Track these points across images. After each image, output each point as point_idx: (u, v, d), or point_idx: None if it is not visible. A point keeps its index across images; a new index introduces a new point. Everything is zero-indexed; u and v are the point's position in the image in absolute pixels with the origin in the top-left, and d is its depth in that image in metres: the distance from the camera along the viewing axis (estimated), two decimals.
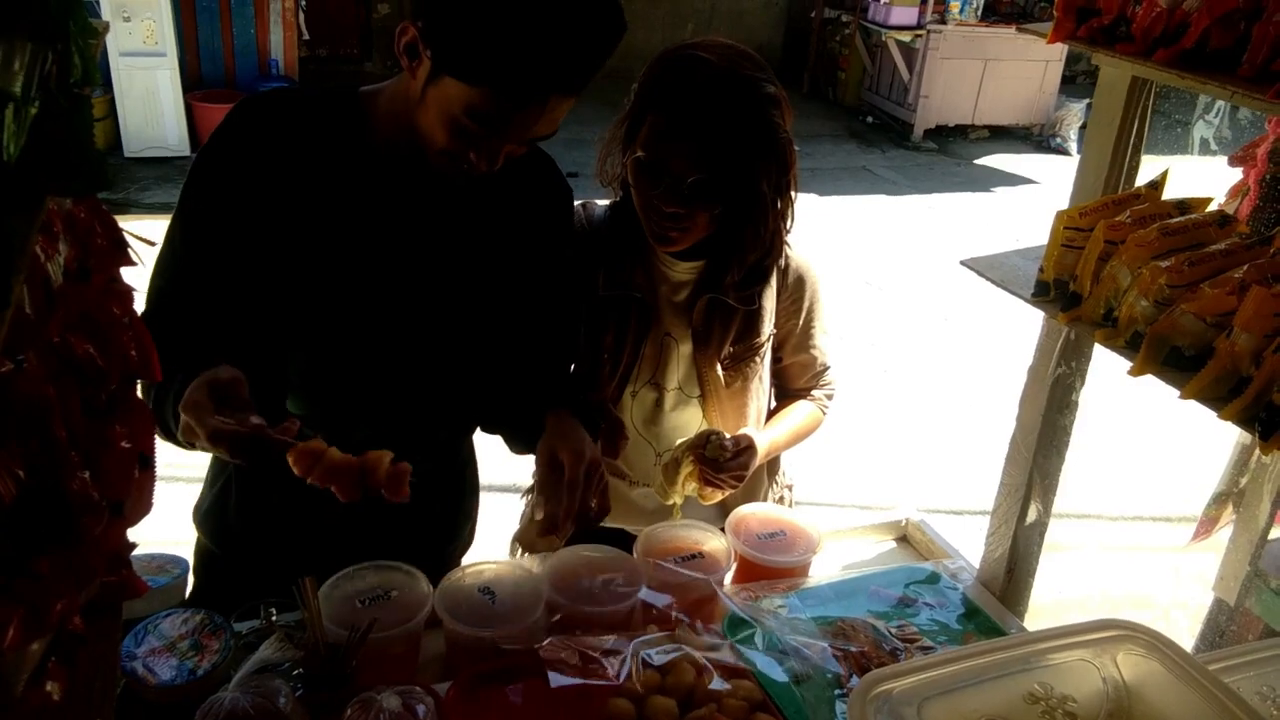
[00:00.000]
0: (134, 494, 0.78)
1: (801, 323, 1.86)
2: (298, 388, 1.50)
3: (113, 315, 0.86)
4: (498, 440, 1.71)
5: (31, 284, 0.64)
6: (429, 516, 1.73)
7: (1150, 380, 1.28)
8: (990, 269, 1.50)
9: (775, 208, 1.66)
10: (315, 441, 1.22)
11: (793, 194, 1.69)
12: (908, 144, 9.52)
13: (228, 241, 1.38)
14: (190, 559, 1.63)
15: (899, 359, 5.41)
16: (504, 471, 2.25)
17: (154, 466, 0.82)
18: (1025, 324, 1.84)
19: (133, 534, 0.86)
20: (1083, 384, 1.63)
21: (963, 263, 1.52)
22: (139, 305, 0.95)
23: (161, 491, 0.87)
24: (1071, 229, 1.34)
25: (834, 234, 6.94)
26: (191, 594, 1.65)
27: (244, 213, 1.38)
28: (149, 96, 7.06)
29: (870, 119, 10.09)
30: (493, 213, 1.52)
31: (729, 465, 1.69)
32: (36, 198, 0.53)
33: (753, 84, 1.55)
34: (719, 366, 1.79)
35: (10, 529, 0.53)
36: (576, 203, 1.86)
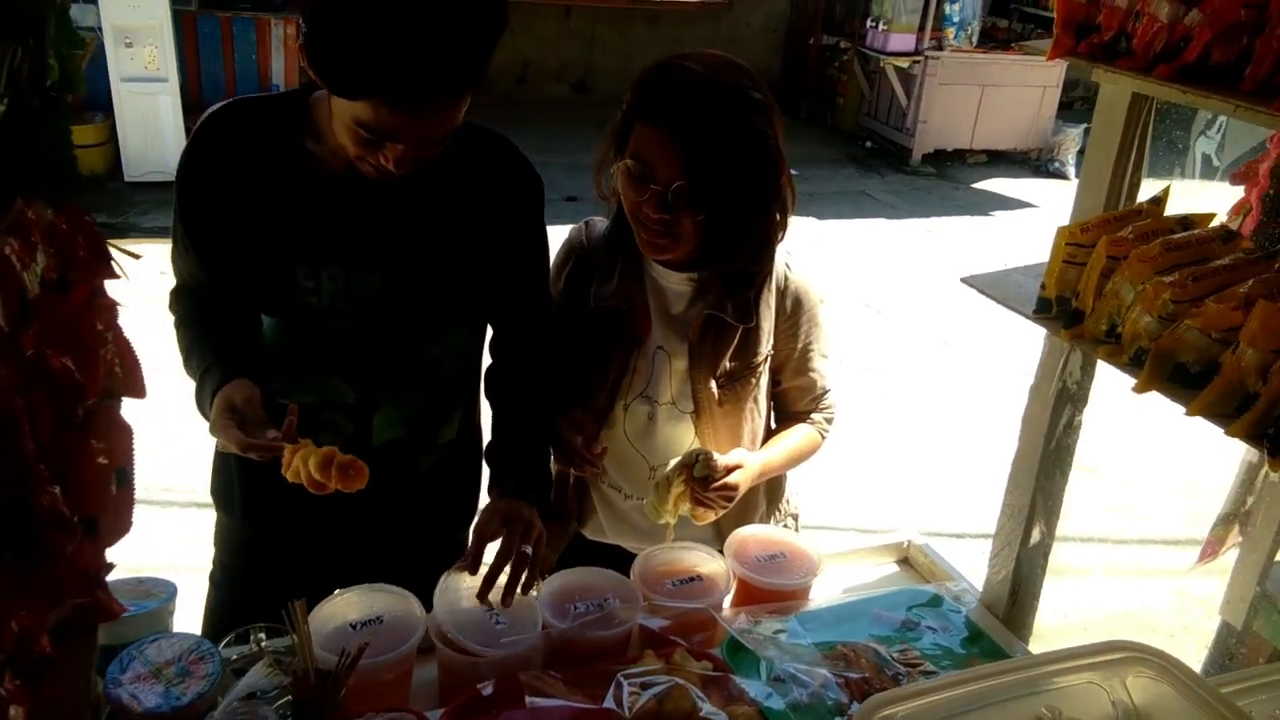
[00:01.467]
0: (110, 511, 0.75)
1: (800, 345, 1.84)
2: (277, 353, 1.60)
3: (93, 329, 0.84)
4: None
5: (5, 292, 0.62)
6: (431, 493, 1.79)
7: (1153, 401, 1.26)
8: (991, 286, 1.49)
9: (764, 214, 1.65)
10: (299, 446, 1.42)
11: (787, 203, 1.68)
12: (906, 168, 9.53)
13: (212, 231, 1.54)
14: (180, 585, 1.60)
15: (899, 383, 5.39)
16: None
17: (133, 483, 0.79)
18: (1026, 348, 1.82)
19: (122, 560, 0.83)
20: (1085, 404, 1.61)
21: (963, 280, 1.51)
22: (123, 320, 0.93)
23: (155, 516, 0.85)
24: (1073, 245, 1.32)
25: (833, 257, 6.93)
26: (218, 566, 1.83)
27: (219, 208, 1.52)
28: (150, 121, 7.07)
29: (868, 144, 10.11)
30: (451, 198, 1.58)
31: (719, 485, 1.67)
32: (4, 198, 0.51)
33: (736, 90, 1.55)
34: (713, 384, 1.77)
35: None
36: (580, 221, 1.86)
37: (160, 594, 1.50)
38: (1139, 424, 4.32)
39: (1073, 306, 1.35)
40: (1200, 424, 1.20)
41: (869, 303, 6.38)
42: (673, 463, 1.71)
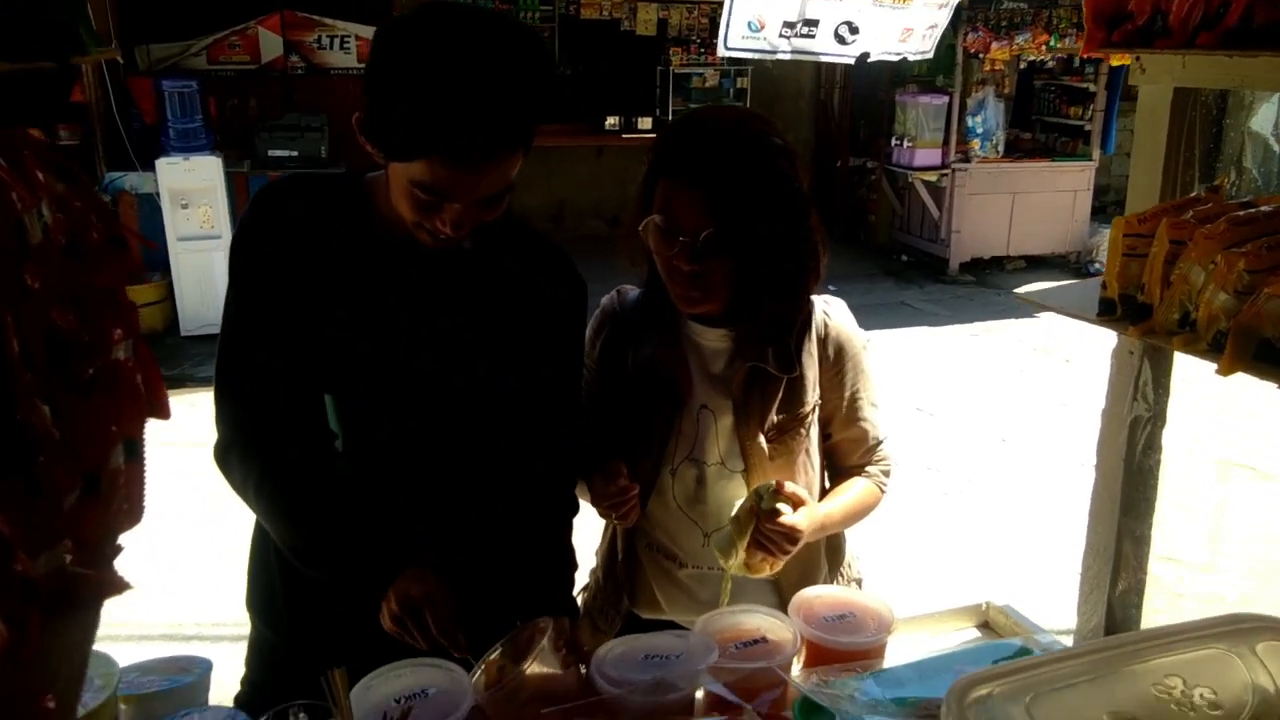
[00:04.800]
0: (118, 483, 0.70)
1: (847, 395, 1.78)
2: (338, 428, 1.53)
3: (109, 320, 0.80)
4: None
5: None
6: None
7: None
8: (1049, 298, 1.42)
9: (793, 256, 1.62)
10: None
11: (818, 246, 1.65)
12: (944, 278, 9.52)
13: (269, 307, 1.48)
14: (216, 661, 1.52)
15: (959, 482, 5.21)
16: None
17: (143, 460, 0.74)
18: (1086, 436, 1.72)
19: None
20: (1164, 423, 1.51)
21: (1018, 295, 1.44)
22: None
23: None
24: (1132, 236, 1.26)
25: (879, 365, 6.84)
26: (249, 686, 1.69)
27: (273, 283, 1.47)
28: (204, 277, 7.32)
29: (904, 257, 10.16)
30: (497, 291, 1.56)
31: (781, 524, 1.58)
32: None
33: (758, 136, 1.56)
34: (762, 438, 1.70)
35: None
36: (612, 290, 1.84)
37: (195, 670, 1.43)
38: (1213, 507, 4.11)
39: (1139, 301, 1.27)
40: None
41: (920, 406, 6.25)
42: (742, 501, 1.63)
